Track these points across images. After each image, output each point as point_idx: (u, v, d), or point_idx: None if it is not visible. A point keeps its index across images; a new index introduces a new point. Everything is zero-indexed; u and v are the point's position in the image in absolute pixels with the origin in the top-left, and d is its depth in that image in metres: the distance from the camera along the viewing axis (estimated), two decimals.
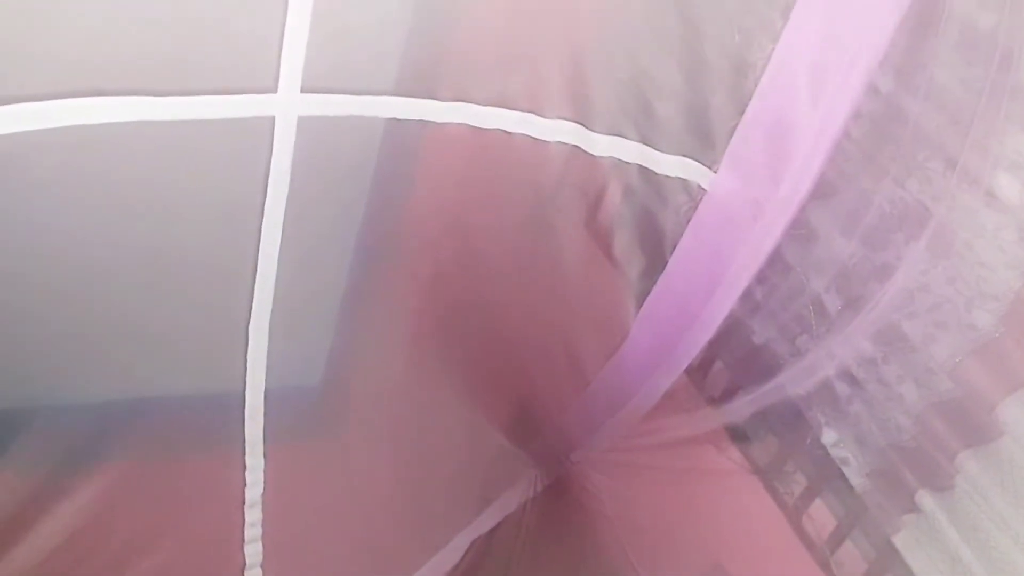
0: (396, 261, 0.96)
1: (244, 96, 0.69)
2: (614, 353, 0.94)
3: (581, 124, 0.78)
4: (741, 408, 0.91)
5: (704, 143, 0.80)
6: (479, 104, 0.76)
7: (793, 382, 0.86)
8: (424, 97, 0.76)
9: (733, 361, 0.96)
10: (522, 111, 0.77)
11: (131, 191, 0.74)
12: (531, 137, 0.79)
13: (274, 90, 0.70)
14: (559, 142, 0.79)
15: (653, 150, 0.80)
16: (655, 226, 0.87)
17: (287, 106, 0.71)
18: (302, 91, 0.71)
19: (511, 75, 0.78)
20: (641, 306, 0.91)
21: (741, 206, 0.79)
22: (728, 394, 0.96)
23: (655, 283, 0.89)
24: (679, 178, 0.81)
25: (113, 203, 0.74)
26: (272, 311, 0.81)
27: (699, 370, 0.99)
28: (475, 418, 1.07)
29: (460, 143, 0.80)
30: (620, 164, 0.81)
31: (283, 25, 0.67)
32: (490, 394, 1.07)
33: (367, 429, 1.03)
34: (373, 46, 0.77)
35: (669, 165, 0.81)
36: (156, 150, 0.71)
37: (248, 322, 0.79)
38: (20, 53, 0.62)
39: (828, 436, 0.86)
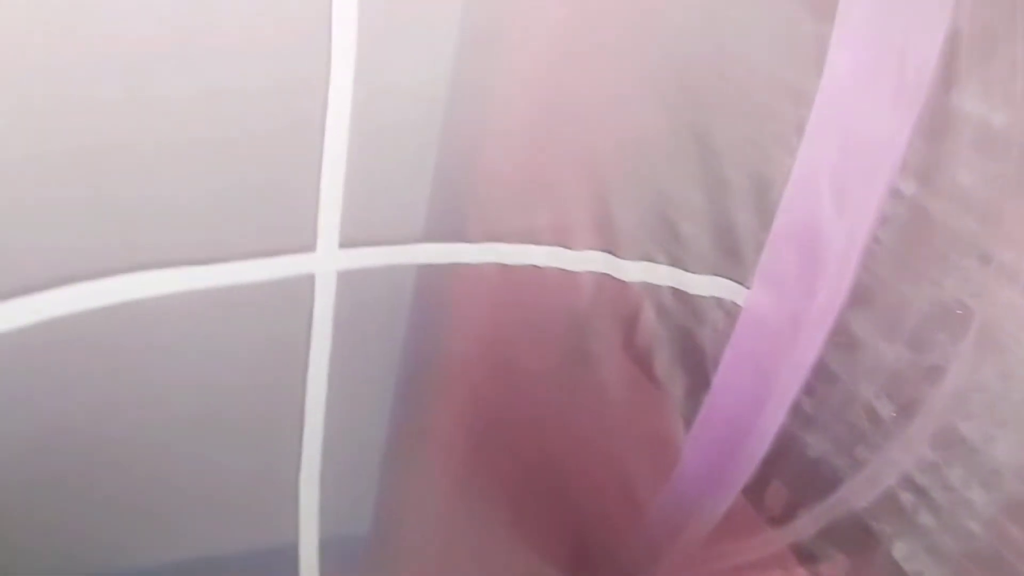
0: (436, 401, 0.96)
1: (284, 257, 0.72)
2: (667, 477, 0.92)
3: (610, 252, 0.80)
4: (804, 526, 0.88)
5: (734, 260, 0.81)
6: (508, 243, 0.79)
7: (856, 495, 0.83)
8: (455, 240, 0.79)
9: (790, 477, 0.93)
10: (550, 245, 0.79)
11: (176, 357, 0.76)
12: (562, 269, 0.80)
13: (313, 248, 0.73)
14: (590, 272, 0.81)
15: (683, 272, 0.81)
16: (694, 344, 0.87)
17: (327, 263, 0.73)
18: (340, 247, 0.74)
19: (536, 210, 0.80)
20: (690, 426, 0.90)
21: (779, 320, 0.79)
22: (789, 512, 0.92)
23: (701, 402, 0.89)
24: (713, 297, 0.82)
25: (159, 370, 0.76)
26: (321, 462, 0.81)
27: (756, 489, 0.96)
28: (530, 558, 1.04)
29: (492, 280, 0.82)
30: (652, 287, 0.82)
31: (318, 186, 0.71)
32: (543, 530, 1.05)
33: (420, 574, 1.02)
34: (402, 196, 0.80)
35: (701, 285, 0.81)
36: (198, 314, 0.73)
37: (298, 475, 0.79)
38: (67, 236, 0.65)
39: (899, 549, 0.83)
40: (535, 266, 0.80)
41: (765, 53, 0.77)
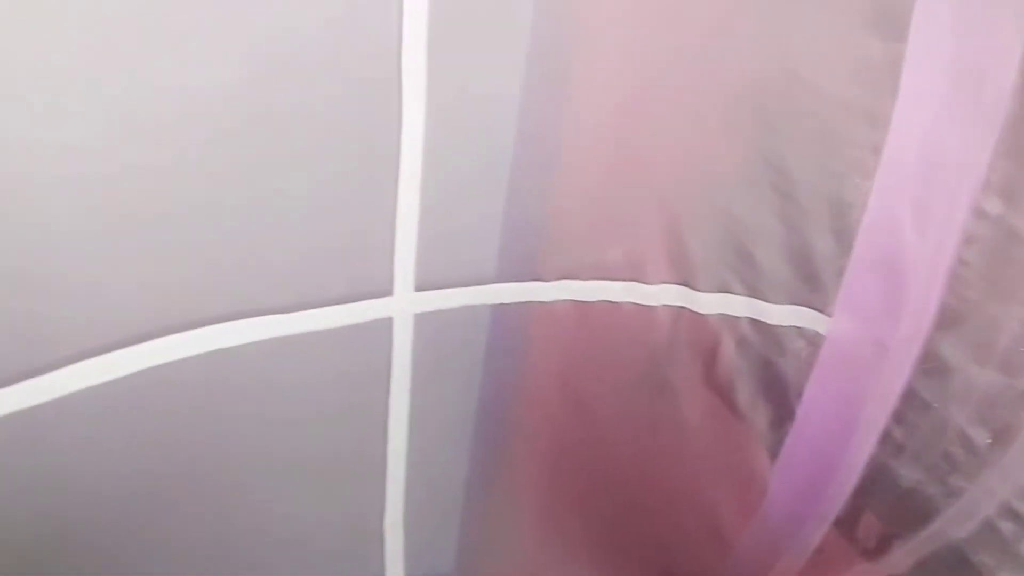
0: (516, 440, 0.96)
1: (363, 303, 0.73)
2: (755, 511, 0.90)
3: (686, 285, 0.79)
4: (900, 559, 0.85)
5: (814, 288, 0.80)
6: (582, 280, 0.79)
7: (952, 526, 0.80)
8: (528, 279, 0.79)
9: (883, 509, 0.90)
10: (625, 280, 0.79)
11: (263, 403, 0.77)
12: (637, 304, 0.80)
13: (390, 292, 0.74)
14: (666, 306, 0.80)
15: (762, 302, 0.80)
16: (776, 375, 0.86)
17: (404, 306, 0.75)
18: (416, 290, 0.75)
19: (609, 246, 0.80)
20: (776, 458, 0.88)
21: (863, 348, 0.77)
22: (884, 545, 0.89)
23: (786, 433, 0.87)
24: (793, 326, 0.80)
25: (247, 417, 0.77)
26: (405, 503, 0.82)
27: (848, 521, 0.93)
28: None
29: (567, 317, 0.82)
30: (731, 318, 0.81)
31: (394, 232, 0.72)
32: (629, 566, 1.03)
33: None
34: (475, 237, 0.81)
35: (781, 315, 0.80)
36: (282, 361, 0.75)
37: (383, 518, 0.80)
38: (163, 288, 0.68)
39: None
40: (610, 302, 0.80)
41: (836, 77, 0.76)
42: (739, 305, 0.80)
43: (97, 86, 0.55)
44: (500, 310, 0.82)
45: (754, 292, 0.80)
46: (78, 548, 0.74)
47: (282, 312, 0.71)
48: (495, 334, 0.87)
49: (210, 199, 0.63)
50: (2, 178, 0.55)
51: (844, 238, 0.78)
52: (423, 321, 0.77)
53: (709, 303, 0.80)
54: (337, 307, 0.73)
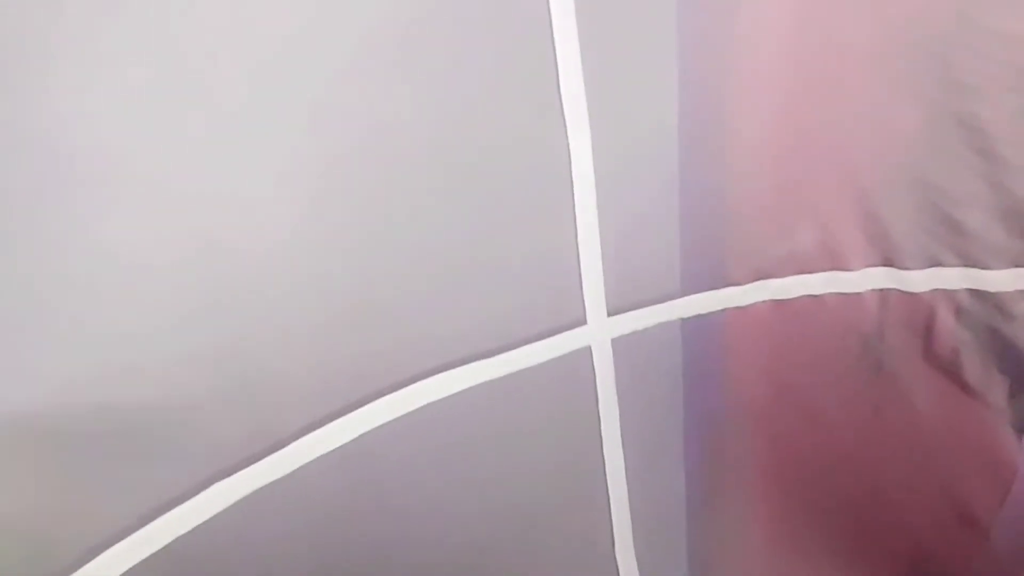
0: (730, 447, 0.93)
1: (560, 336, 0.74)
2: (1006, 493, 0.83)
3: (891, 266, 0.75)
4: None
5: None
6: (778, 277, 0.76)
7: None
8: (719, 283, 0.77)
9: None
10: (824, 271, 0.76)
11: (474, 453, 0.78)
12: (841, 293, 0.76)
13: (584, 321, 0.74)
14: (872, 290, 0.76)
15: (979, 270, 0.74)
16: (1006, 344, 0.79)
17: (600, 333, 0.75)
18: (608, 315, 0.75)
19: (799, 232, 0.77)
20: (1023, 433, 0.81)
21: None
22: None
23: None
24: (1018, 290, 0.74)
25: (461, 469, 0.78)
26: (632, 528, 0.81)
27: None
28: None
29: (766, 317, 0.79)
30: (946, 292, 0.76)
31: (578, 261, 0.72)
32: (873, 563, 0.98)
33: None
34: (657, 250, 0.79)
35: (1002, 281, 0.74)
36: (486, 408, 0.76)
37: (613, 546, 0.80)
38: (359, 353, 0.70)
39: None
40: (811, 296, 0.76)
41: (1019, 12, 0.70)
42: (954, 277, 0.75)
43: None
44: (694, 319, 0.80)
45: (968, 261, 0.74)
46: None
47: (482, 359, 0.73)
48: (691, 344, 0.85)
49: (391, 251, 0.66)
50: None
51: None
52: (619, 344, 0.77)
53: (920, 280, 0.75)
54: (535, 344, 0.74)
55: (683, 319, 0.81)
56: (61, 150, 0.50)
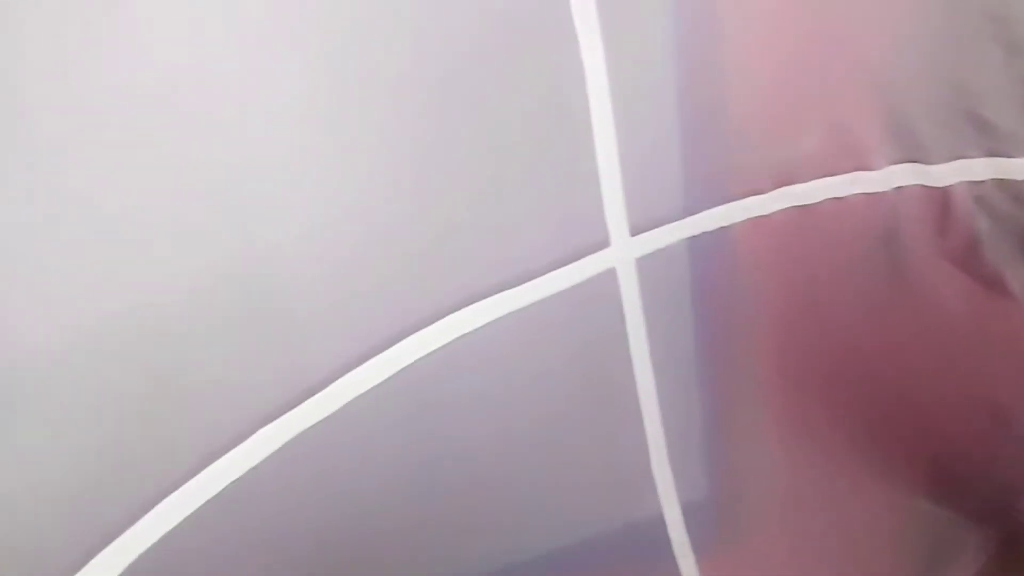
0: (754, 358, 0.94)
1: (585, 259, 0.73)
2: None
3: (916, 161, 0.74)
4: None
5: None
6: (802, 182, 0.75)
7: None
8: (744, 196, 0.76)
9: None
10: (848, 172, 0.74)
11: (508, 381, 0.78)
12: (866, 193, 0.75)
13: (607, 244, 0.74)
14: (897, 188, 0.75)
15: (1006, 159, 0.73)
16: None
17: (625, 253, 0.74)
18: (631, 235, 0.74)
19: (820, 136, 0.75)
20: None
21: None
22: None
23: None
24: None
25: (494, 399, 0.78)
26: (665, 442, 0.82)
27: None
28: (887, 492, 0.99)
29: (788, 223, 0.79)
30: (972, 184, 0.75)
31: (598, 182, 0.71)
32: (897, 464, 0.99)
33: (773, 531, 1.00)
34: (673, 166, 0.78)
35: None
36: (516, 338, 0.75)
37: (650, 464, 0.81)
38: (399, 289, 0.70)
39: None
40: (835, 198, 0.75)
41: None
42: (980, 169, 0.74)
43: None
44: (718, 232, 0.80)
45: (995, 151, 0.73)
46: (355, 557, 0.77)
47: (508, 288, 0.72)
48: (712, 258, 0.85)
49: (426, 192, 0.65)
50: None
51: None
52: (645, 263, 0.76)
53: (946, 174, 0.74)
54: (561, 270, 0.73)
55: (706, 232, 0.80)
56: None
